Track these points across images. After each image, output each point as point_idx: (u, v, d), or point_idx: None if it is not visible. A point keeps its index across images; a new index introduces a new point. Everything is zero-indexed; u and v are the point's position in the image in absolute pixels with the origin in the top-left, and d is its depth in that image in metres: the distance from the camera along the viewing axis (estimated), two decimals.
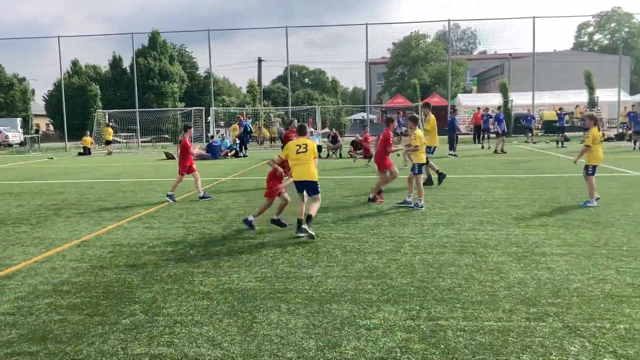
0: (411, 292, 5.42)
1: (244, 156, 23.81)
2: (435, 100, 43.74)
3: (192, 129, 12.65)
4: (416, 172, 10.35)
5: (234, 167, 19.32)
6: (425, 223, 8.67)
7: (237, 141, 24.27)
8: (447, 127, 23.28)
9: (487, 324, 4.57)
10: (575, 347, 4.13)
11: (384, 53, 68.72)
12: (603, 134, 18.42)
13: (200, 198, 11.53)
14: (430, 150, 12.74)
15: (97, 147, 32.30)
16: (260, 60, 57.35)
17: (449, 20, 32.21)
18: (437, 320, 4.68)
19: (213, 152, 22.90)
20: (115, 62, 57.31)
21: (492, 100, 38.90)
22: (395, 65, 62.02)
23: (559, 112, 26.60)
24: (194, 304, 5.22)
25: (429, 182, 12.55)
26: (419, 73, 57.12)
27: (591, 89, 31.83)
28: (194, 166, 11.81)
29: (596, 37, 66.92)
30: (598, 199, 9.95)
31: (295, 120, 14.18)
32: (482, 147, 26.19)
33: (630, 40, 63.30)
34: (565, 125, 26.32)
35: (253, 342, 4.34)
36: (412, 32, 60.34)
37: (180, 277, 6.08)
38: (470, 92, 59.65)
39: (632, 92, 47.76)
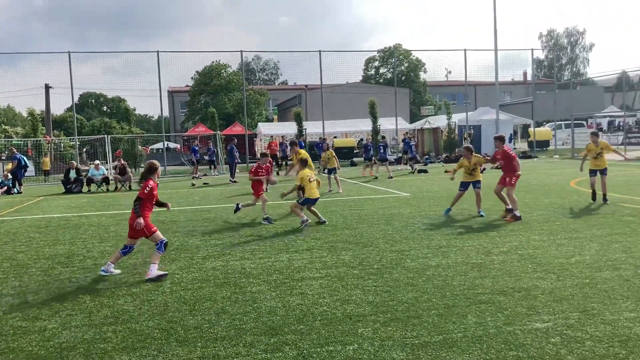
0: (154, 335, 5.06)
1: (18, 192, 21.29)
2: (236, 129, 44.17)
3: None
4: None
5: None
6: (196, 256, 8.38)
7: (10, 176, 21.61)
8: (227, 155, 23.62)
9: None
10: None
11: (189, 81, 67.85)
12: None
13: None
14: None
15: None
16: (47, 87, 52.47)
17: (241, 51, 32.82)
18: None
19: None
20: None
21: (288, 129, 40.44)
22: (197, 94, 61.45)
23: (405, 137, 28.97)
24: None
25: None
26: (222, 102, 57.37)
27: (375, 118, 34.77)
28: None
29: (382, 70, 73.75)
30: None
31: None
32: (277, 174, 26.89)
33: (411, 73, 70.95)
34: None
35: None
36: (213, 62, 60.56)
37: None
38: (272, 120, 61.48)
39: (411, 120, 53.31)
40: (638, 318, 5.06)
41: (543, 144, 39.93)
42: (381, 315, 5.37)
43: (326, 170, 17.95)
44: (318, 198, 11.04)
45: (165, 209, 7.86)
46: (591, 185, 12.62)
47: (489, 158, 12.01)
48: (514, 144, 41.14)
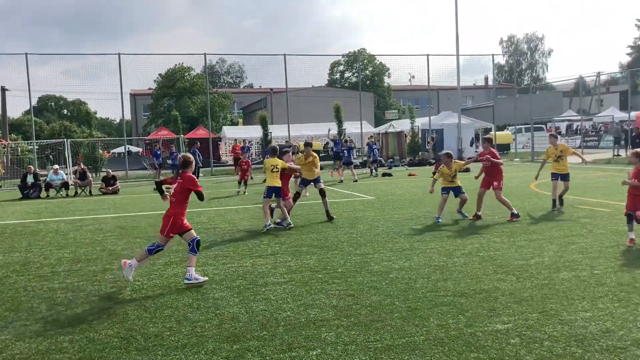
0: (113, 344, 4.94)
1: None
2: (200, 132, 43.78)
3: None
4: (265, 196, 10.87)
5: None
6: (157, 263, 8.22)
7: None
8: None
9: None
10: None
11: (151, 84, 66.84)
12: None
13: None
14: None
15: None
16: (3, 89, 50.97)
17: (205, 54, 32.49)
18: None
19: None
20: None
21: (254, 132, 40.26)
22: (160, 97, 60.62)
23: (369, 141, 29.15)
24: None
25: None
26: (186, 105, 56.73)
27: (340, 122, 34.91)
28: None
29: (346, 74, 74.15)
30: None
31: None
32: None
33: (375, 78, 71.57)
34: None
35: None
36: (177, 65, 59.86)
37: None
38: (237, 124, 61.11)
39: (376, 124, 53.72)
40: (593, 317, 5.19)
41: (504, 148, 40.75)
42: (345, 320, 5.36)
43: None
44: (279, 187, 10.93)
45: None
46: (553, 191, 12.14)
47: (471, 158, 11.96)
48: (476, 147, 41.84)
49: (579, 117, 38.55)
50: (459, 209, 11.52)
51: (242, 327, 5.26)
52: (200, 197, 7.01)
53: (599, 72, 43.30)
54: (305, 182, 12.32)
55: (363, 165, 30.79)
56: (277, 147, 11.96)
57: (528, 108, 37.65)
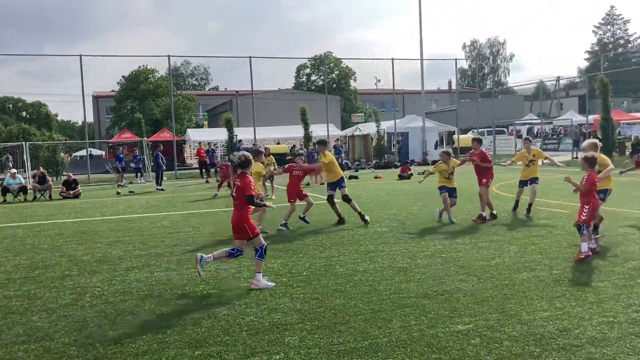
0: (71, 353, 4.81)
1: None
2: (165, 135, 43.15)
3: None
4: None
5: None
6: (119, 268, 8.07)
7: None
8: (153, 163, 23.10)
9: None
10: None
11: (114, 86, 65.62)
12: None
13: None
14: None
15: None
16: None
17: (169, 56, 32.07)
18: None
19: None
20: None
21: (219, 135, 39.94)
22: (123, 99, 59.60)
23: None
24: None
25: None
26: (150, 107, 55.91)
27: (306, 124, 34.93)
28: None
29: (313, 77, 74.30)
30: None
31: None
32: (207, 182, 26.46)
33: (342, 81, 71.92)
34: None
35: None
36: (140, 66, 58.98)
37: None
38: (202, 126, 60.52)
39: (343, 127, 53.95)
40: (551, 317, 5.30)
41: (467, 150, 41.21)
42: (308, 323, 5.36)
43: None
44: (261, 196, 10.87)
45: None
46: (518, 194, 12.08)
47: (464, 158, 11.86)
48: (440, 150, 42.39)
49: (539, 121, 39.53)
50: (443, 211, 11.42)
51: (205, 333, 5.20)
52: (251, 201, 6.67)
53: (558, 77, 44.61)
54: (333, 186, 11.61)
55: None
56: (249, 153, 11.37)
57: (490, 112, 38.45)
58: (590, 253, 7.56)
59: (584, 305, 5.64)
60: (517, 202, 12.18)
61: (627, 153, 30.98)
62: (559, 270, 7.06)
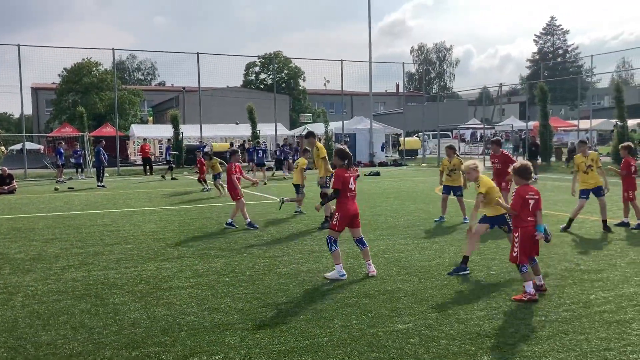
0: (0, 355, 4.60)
1: None
2: (107, 130, 41.90)
3: None
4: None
5: None
6: (55, 267, 7.77)
7: None
8: (94, 158, 22.52)
9: None
10: None
11: (55, 78, 63.14)
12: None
13: None
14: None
15: None
16: None
17: (113, 49, 31.13)
18: None
19: None
20: None
21: (164, 131, 39.15)
22: (64, 92, 57.45)
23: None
24: None
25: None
26: (92, 101, 54.16)
27: (254, 123, 34.69)
28: None
29: (262, 76, 73.84)
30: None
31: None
32: (158, 176, 25.89)
33: (291, 81, 71.81)
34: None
35: None
36: (83, 59, 57.02)
37: None
38: (146, 122, 59.13)
39: (291, 127, 53.90)
40: (487, 316, 5.47)
41: (412, 153, 42.22)
42: (250, 323, 5.32)
43: (212, 176, 18.42)
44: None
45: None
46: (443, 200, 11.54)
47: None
48: (386, 152, 43.06)
49: (482, 125, 40.69)
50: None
51: (143, 333, 5.08)
52: (335, 193, 7.03)
53: (501, 84, 45.88)
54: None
55: (279, 167, 30.74)
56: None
57: (436, 115, 39.30)
58: (536, 297, 5.90)
59: (518, 304, 5.84)
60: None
61: (563, 159, 32.35)
62: (495, 270, 7.29)
